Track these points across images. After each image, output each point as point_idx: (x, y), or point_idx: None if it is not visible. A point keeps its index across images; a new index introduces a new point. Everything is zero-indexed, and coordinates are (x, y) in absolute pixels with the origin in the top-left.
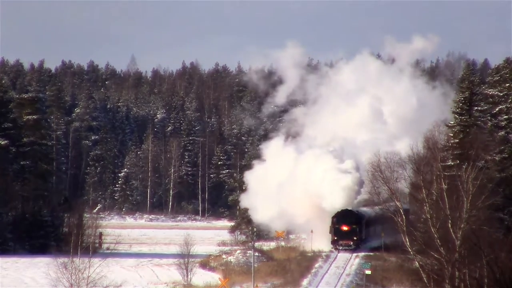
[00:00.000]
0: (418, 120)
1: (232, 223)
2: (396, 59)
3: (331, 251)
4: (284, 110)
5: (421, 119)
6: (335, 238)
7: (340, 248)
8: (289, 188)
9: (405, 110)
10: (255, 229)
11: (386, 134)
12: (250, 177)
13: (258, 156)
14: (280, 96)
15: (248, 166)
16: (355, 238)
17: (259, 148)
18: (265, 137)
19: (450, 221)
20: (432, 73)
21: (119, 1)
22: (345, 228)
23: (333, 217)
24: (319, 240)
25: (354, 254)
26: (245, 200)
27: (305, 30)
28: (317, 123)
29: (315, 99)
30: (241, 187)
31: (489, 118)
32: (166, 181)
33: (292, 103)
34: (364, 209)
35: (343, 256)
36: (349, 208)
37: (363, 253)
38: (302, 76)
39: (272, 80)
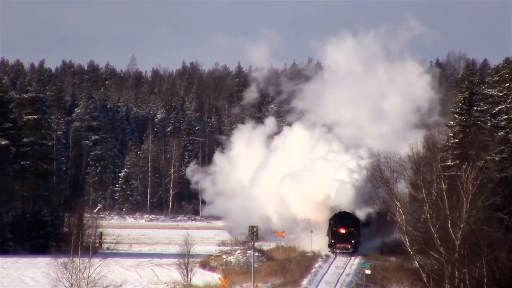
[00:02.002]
0: (418, 114)
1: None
2: (393, 42)
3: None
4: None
5: (421, 113)
6: (333, 241)
7: (338, 251)
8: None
9: (405, 101)
10: (255, 229)
11: (388, 130)
12: (207, 179)
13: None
14: (252, 91)
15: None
16: (353, 241)
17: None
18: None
19: (449, 221)
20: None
21: (119, 1)
22: (342, 230)
23: (330, 219)
24: (319, 240)
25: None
26: (211, 209)
27: (306, 30)
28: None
29: (308, 90)
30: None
31: (488, 118)
32: (166, 181)
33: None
34: (362, 210)
35: (342, 256)
36: (347, 210)
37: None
38: (274, 68)
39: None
